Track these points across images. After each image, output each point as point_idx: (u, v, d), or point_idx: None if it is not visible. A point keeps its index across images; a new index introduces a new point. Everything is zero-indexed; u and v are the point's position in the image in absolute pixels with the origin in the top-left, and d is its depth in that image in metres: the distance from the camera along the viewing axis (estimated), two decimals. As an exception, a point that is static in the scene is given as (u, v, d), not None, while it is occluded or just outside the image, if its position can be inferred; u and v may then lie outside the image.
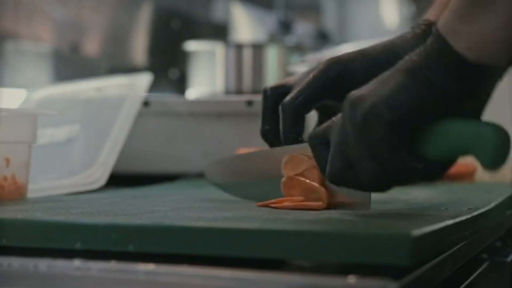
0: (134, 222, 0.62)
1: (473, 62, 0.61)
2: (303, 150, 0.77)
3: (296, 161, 0.78)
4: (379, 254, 0.55)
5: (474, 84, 0.62)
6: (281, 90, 0.83)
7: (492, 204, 0.83)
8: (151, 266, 0.57)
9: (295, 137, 0.79)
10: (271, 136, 0.84)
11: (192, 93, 1.76)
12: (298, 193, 0.77)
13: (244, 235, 0.58)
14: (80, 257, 0.60)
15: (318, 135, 0.72)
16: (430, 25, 0.78)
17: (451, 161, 0.67)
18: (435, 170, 0.66)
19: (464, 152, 0.64)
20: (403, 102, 0.63)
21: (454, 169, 1.16)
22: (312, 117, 0.88)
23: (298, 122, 0.79)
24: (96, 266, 0.58)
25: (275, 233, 0.58)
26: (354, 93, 0.67)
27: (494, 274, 0.94)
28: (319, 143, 0.72)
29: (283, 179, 0.78)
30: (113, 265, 0.58)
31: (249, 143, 1.19)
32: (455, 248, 0.68)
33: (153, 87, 2.05)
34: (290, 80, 0.84)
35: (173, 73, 2.01)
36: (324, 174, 0.71)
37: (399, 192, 0.97)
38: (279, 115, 0.80)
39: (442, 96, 0.63)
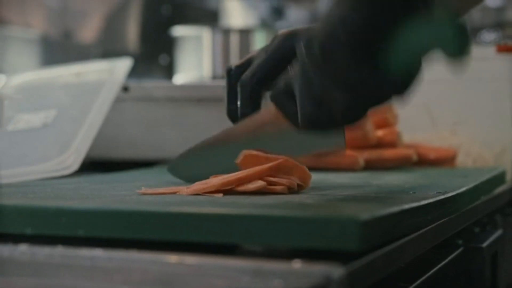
0: (83, 206, 0.61)
1: None
2: (266, 113, 0.77)
3: (252, 158, 0.76)
4: (326, 238, 0.53)
5: None
6: (245, 68, 0.82)
7: (463, 189, 0.81)
8: (97, 252, 0.56)
9: (252, 114, 0.79)
10: (237, 116, 0.82)
11: (180, 78, 1.74)
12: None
13: (193, 219, 0.57)
14: (30, 242, 0.59)
15: (280, 91, 0.72)
16: None
17: (416, 69, 0.65)
18: (403, 83, 0.64)
19: (429, 50, 0.63)
20: (356, 21, 0.62)
21: (434, 154, 1.16)
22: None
23: (255, 99, 0.79)
24: (41, 252, 0.57)
25: (223, 217, 0.57)
26: (304, 36, 0.66)
27: (468, 259, 0.92)
28: (284, 98, 0.71)
29: (242, 155, 0.76)
30: (59, 250, 0.57)
31: (230, 128, 1.17)
32: (418, 233, 0.67)
33: (145, 73, 2.04)
34: (253, 56, 0.83)
35: (164, 59, 2.00)
36: (296, 126, 0.70)
37: (372, 177, 0.96)
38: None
39: (389, 7, 0.62)
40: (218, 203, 0.65)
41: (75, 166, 1.02)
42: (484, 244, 0.93)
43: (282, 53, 0.79)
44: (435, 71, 1.03)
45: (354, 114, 0.66)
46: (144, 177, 0.98)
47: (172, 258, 0.54)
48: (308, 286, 0.48)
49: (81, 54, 1.90)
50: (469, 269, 0.93)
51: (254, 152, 0.77)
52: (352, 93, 0.64)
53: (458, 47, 0.61)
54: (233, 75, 0.83)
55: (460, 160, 1.20)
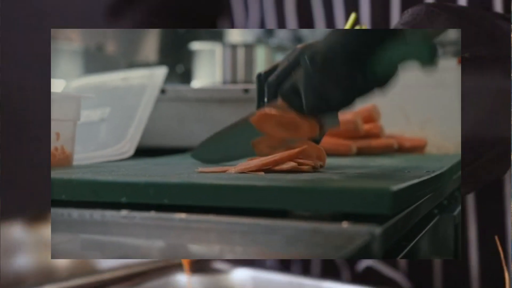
0: (168, 180, 0.62)
1: None
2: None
3: (266, 116, 0.79)
4: (366, 205, 0.55)
5: None
6: (271, 73, 0.84)
7: (445, 169, 0.84)
8: (183, 215, 0.58)
9: None
10: None
11: (197, 83, 1.76)
12: (272, 128, 0.78)
13: (256, 190, 0.59)
14: (125, 208, 0.61)
15: (287, 87, 0.77)
16: None
17: (394, 71, 0.71)
18: (383, 81, 0.71)
19: (406, 60, 0.69)
20: (349, 43, 0.69)
21: (409, 143, 1.18)
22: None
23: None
24: (139, 215, 0.58)
25: (282, 189, 0.59)
26: (307, 49, 0.73)
27: (442, 226, 0.95)
28: (290, 93, 0.77)
29: (254, 117, 0.79)
30: (152, 214, 0.59)
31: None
32: (417, 203, 0.69)
33: (165, 79, 2.04)
34: (278, 63, 0.85)
35: (180, 68, 2.01)
36: (301, 112, 0.76)
37: (367, 161, 0.98)
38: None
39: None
40: (267, 179, 0.67)
41: (131, 152, 1.03)
42: (455, 213, 0.96)
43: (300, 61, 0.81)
44: (409, 78, 1.06)
45: (346, 102, 0.73)
46: (186, 161, 0.99)
47: (248, 220, 0.56)
48: (360, 242, 0.50)
49: (112, 63, 1.90)
50: (442, 234, 0.96)
51: (269, 111, 0.79)
52: (347, 90, 0.71)
53: (430, 59, 0.68)
54: (262, 79, 0.85)
55: (427, 148, 1.23)
